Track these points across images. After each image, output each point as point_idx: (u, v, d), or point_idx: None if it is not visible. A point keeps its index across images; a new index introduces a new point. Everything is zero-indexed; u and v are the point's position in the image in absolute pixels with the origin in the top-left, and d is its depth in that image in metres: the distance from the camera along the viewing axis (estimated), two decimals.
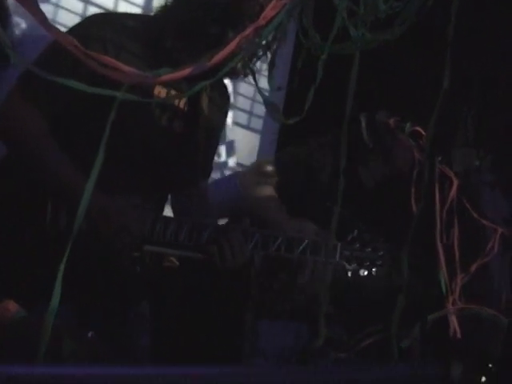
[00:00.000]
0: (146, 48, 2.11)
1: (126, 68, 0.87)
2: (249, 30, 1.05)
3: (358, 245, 2.34)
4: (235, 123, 4.31)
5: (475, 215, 2.88)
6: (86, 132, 1.85)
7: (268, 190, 3.25)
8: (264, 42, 1.93)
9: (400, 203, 3.38)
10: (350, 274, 2.33)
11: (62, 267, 0.99)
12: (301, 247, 2.26)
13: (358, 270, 2.32)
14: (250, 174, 3.34)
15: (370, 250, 2.35)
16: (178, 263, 2.43)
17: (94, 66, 0.87)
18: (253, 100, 4.32)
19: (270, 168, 3.30)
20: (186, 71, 0.92)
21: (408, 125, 2.77)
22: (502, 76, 3.74)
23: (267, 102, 1.06)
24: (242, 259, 2.20)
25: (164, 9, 2.18)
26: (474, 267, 2.75)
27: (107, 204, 2.03)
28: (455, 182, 2.80)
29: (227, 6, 1.96)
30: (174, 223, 2.15)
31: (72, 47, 0.86)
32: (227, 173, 4.02)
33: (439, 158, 2.81)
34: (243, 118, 4.47)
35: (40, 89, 1.98)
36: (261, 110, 4.46)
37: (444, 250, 2.64)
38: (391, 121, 2.86)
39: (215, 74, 1.00)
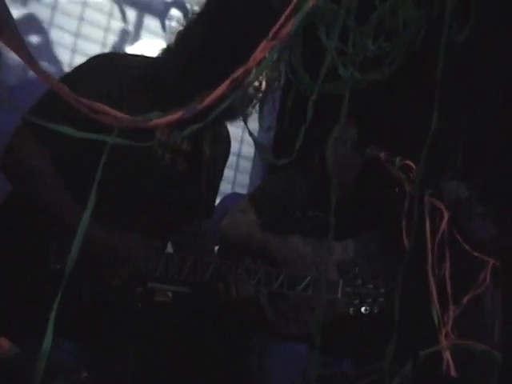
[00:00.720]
0: (149, 89, 2.13)
1: (117, 113, 0.87)
2: (239, 72, 1.05)
3: (359, 281, 2.35)
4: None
5: (466, 247, 2.88)
6: (87, 172, 1.87)
7: (250, 220, 3.31)
8: (257, 84, 1.97)
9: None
10: (351, 310, 2.33)
11: (55, 306, 0.98)
12: (303, 283, 2.28)
13: (360, 307, 2.33)
14: (231, 214, 3.41)
15: (371, 286, 2.35)
16: (171, 297, 2.43)
17: (85, 111, 0.87)
18: (241, 142, 4.37)
19: (249, 207, 3.37)
20: (177, 115, 0.92)
21: (398, 159, 2.78)
22: (489, 110, 3.78)
23: (257, 143, 1.06)
24: (247, 295, 2.22)
25: (167, 51, 2.21)
26: (466, 299, 2.74)
27: (111, 238, 2.04)
28: (446, 215, 2.80)
29: (228, 50, 1.98)
30: (177, 260, 2.16)
31: (62, 93, 0.87)
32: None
33: (429, 191, 2.82)
34: (231, 160, 4.52)
35: (44, 127, 1.99)
36: (249, 151, 4.51)
37: (436, 282, 2.64)
38: (382, 154, 2.87)
39: (208, 116, 1.01)
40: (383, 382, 1.33)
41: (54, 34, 3.70)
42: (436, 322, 2.52)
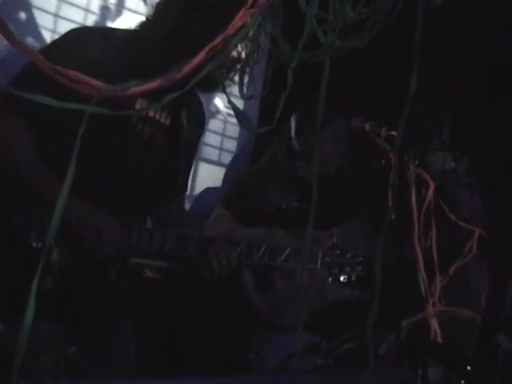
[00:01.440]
0: (126, 62, 2.12)
1: (95, 82, 0.87)
2: (217, 40, 1.05)
3: (338, 251, 2.37)
4: (204, 159, 4.36)
5: (453, 217, 2.89)
6: (67, 145, 1.86)
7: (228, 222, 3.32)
8: (236, 54, 1.96)
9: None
10: (330, 279, 2.35)
11: (35, 280, 0.98)
12: (284, 255, 2.29)
13: (339, 276, 2.35)
14: (211, 222, 3.41)
15: (350, 255, 2.37)
16: (157, 274, 2.43)
17: (63, 81, 0.87)
18: (223, 135, 4.36)
19: (223, 211, 3.38)
20: (155, 83, 0.92)
21: (383, 130, 2.78)
22: (475, 79, 3.78)
23: (238, 113, 1.06)
24: (229, 268, 2.22)
25: (145, 24, 2.20)
26: (452, 269, 2.76)
27: (85, 212, 2.03)
28: (432, 185, 2.81)
29: (209, 21, 1.97)
30: (160, 235, 2.15)
31: (39, 63, 0.86)
32: None
33: (416, 162, 2.82)
34: (214, 154, 4.51)
35: (23, 101, 1.98)
36: (231, 145, 4.51)
37: (423, 252, 2.65)
38: (366, 125, 2.87)
39: (187, 85, 1.00)
40: (366, 350, 1.34)
41: (36, 15, 3.67)
42: (423, 291, 2.54)
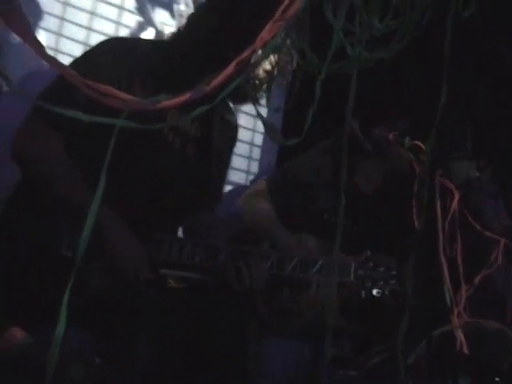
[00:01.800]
0: (158, 72, 2.13)
1: (125, 96, 0.87)
2: (246, 53, 1.05)
3: (371, 264, 2.35)
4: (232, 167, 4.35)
5: (478, 227, 2.87)
6: (99, 157, 1.87)
7: (266, 209, 3.27)
8: (269, 67, 1.97)
9: (399, 213, 3.40)
10: (363, 293, 2.33)
11: (67, 293, 0.98)
12: (316, 267, 2.29)
13: (372, 290, 2.33)
14: (247, 195, 3.37)
15: (383, 269, 2.36)
16: (181, 284, 2.43)
17: (94, 95, 0.88)
18: (253, 131, 4.35)
19: (266, 187, 3.33)
20: (185, 97, 0.92)
21: (407, 139, 2.77)
22: (500, 87, 3.75)
23: (266, 124, 1.06)
24: (260, 281, 2.21)
25: (177, 35, 2.21)
26: (478, 279, 2.74)
27: (116, 232, 2.03)
28: (456, 195, 2.80)
29: (240, 34, 1.98)
30: (190, 245, 2.16)
31: (70, 77, 0.87)
32: None
33: (440, 171, 2.81)
34: (244, 149, 4.49)
35: (54, 114, 2.00)
36: (259, 139, 4.49)
37: (448, 262, 2.64)
38: (391, 135, 2.86)
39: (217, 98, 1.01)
40: (396, 361, 1.33)
41: (66, 30, 3.70)
42: (448, 301, 2.53)
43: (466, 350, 2.27)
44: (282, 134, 1.29)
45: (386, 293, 2.33)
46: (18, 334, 1.77)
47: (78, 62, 2.20)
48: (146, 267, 2.06)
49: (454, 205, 2.79)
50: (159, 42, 2.31)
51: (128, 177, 2.03)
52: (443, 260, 2.63)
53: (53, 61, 0.91)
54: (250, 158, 4.52)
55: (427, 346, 2.18)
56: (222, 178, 2.51)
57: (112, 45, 2.25)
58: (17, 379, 1.75)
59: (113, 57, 2.13)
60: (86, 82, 0.88)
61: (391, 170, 3.36)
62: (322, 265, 2.29)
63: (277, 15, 1.09)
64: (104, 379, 1.82)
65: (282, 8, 1.10)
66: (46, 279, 2.00)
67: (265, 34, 1.08)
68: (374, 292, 2.33)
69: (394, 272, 2.36)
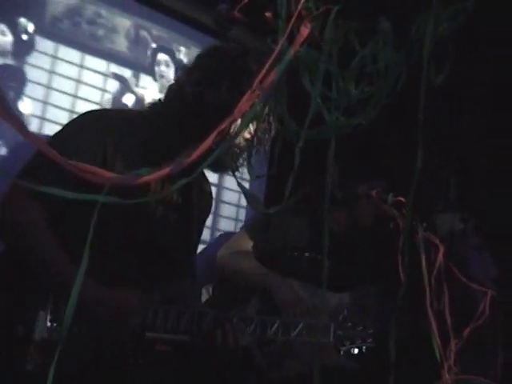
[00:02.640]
0: (141, 143, 2.16)
1: (105, 173, 0.88)
2: (224, 124, 1.07)
3: (349, 324, 2.38)
4: (221, 216, 4.38)
5: (464, 279, 2.88)
6: (80, 228, 1.87)
7: (246, 257, 3.29)
8: (248, 136, 2.00)
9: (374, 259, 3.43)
10: (342, 352, 2.35)
11: (51, 369, 0.98)
12: (297, 330, 2.31)
13: (350, 349, 2.35)
14: (227, 247, 3.39)
15: (360, 328, 2.38)
16: (169, 347, 2.42)
17: (75, 171, 0.89)
18: (240, 192, 4.38)
19: (245, 240, 3.35)
20: (164, 171, 0.93)
21: (390, 196, 2.79)
22: (481, 141, 3.81)
23: (247, 194, 1.07)
24: (243, 344, 2.23)
25: (157, 105, 2.25)
26: (466, 332, 2.74)
27: (105, 295, 2.04)
28: (441, 248, 2.81)
29: (220, 104, 2.02)
30: (175, 312, 2.17)
31: (51, 155, 0.88)
32: None
33: (424, 225, 2.82)
34: (231, 211, 4.53)
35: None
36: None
37: (435, 316, 2.63)
38: (373, 192, 2.89)
39: (197, 170, 1.02)
40: None
41: (53, 97, 3.75)
42: (438, 356, 2.51)
43: None
44: (267, 199, 1.30)
45: (364, 351, 2.36)
46: None
47: (61, 134, 2.21)
48: (133, 321, 2.07)
49: (440, 258, 2.79)
50: (141, 113, 2.34)
51: (110, 245, 2.04)
52: (431, 314, 2.62)
53: (33, 138, 0.92)
54: (238, 205, 4.56)
55: None
56: (198, 242, 2.54)
57: (94, 117, 2.27)
58: None
59: (96, 129, 2.15)
60: (65, 160, 0.89)
61: (356, 219, 3.44)
62: (303, 327, 2.32)
63: (254, 85, 1.11)
64: None
65: (258, 78, 1.13)
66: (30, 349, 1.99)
67: (242, 105, 1.10)
68: (353, 351, 2.36)
69: (371, 331, 2.38)
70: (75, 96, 3.78)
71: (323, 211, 1.34)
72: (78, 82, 3.83)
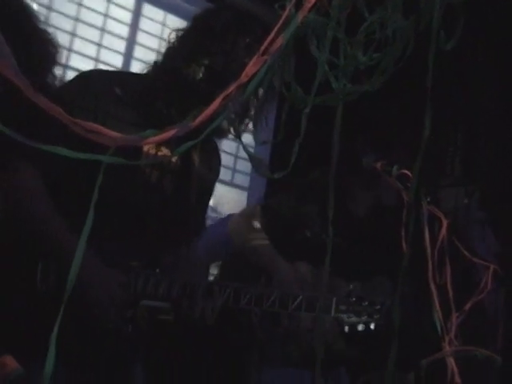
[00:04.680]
0: (136, 106, 2.14)
1: (111, 133, 0.88)
2: (231, 88, 1.06)
3: (354, 299, 2.33)
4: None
5: (467, 253, 2.88)
6: (77, 192, 1.85)
7: (259, 235, 3.26)
8: (252, 98, 1.98)
9: (390, 239, 3.40)
10: (347, 328, 2.30)
11: (55, 330, 0.97)
12: (295, 303, 2.26)
13: (356, 324, 2.30)
14: (239, 219, 3.35)
15: (366, 303, 2.33)
16: (172, 316, 2.42)
17: (80, 131, 0.88)
18: (236, 156, 4.35)
19: (259, 213, 3.31)
20: (170, 133, 0.93)
21: (395, 168, 2.78)
22: (487, 115, 3.78)
23: (252, 158, 1.07)
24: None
25: (153, 67, 2.22)
26: (468, 305, 2.74)
27: (94, 269, 2.03)
28: (444, 222, 2.80)
29: (213, 65, 2.00)
30: (167, 281, 2.15)
31: (57, 114, 0.87)
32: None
33: (428, 199, 2.82)
34: (227, 175, 4.49)
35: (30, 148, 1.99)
36: (245, 166, 4.47)
37: (437, 290, 2.63)
38: (378, 164, 2.87)
39: (201, 134, 1.01)
40: None
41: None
42: (439, 329, 2.52)
43: (457, 379, 2.26)
44: (270, 166, 1.29)
45: (371, 327, 2.30)
46: (9, 363, 1.75)
47: (57, 93, 2.20)
48: (120, 301, 2.06)
49: (443, 232, 2.79)
50: (138, 76, 2.32)
51: (102, 212, 2.03)
52: (433, 287, 2.63)
53: (37, 97, 0.91)
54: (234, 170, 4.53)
55: (416, 376, 2.17)
56: (202, 210, 2.49)
57: (91, 77, 2.25)
58: None
59: (92, 89, 2.13)
60: (72, 119, 0.88)
61: (379, 197, 3.38)
62: (301, 300, 2.27)
63: (261, 49, 1.11)
64: None
65: (266, 42, 1.12)
66: (23, 313, 2.00)
67: (250, 68, 1.09)
68: (359, 327, 2.30)
69: (378, 306, 2.33)
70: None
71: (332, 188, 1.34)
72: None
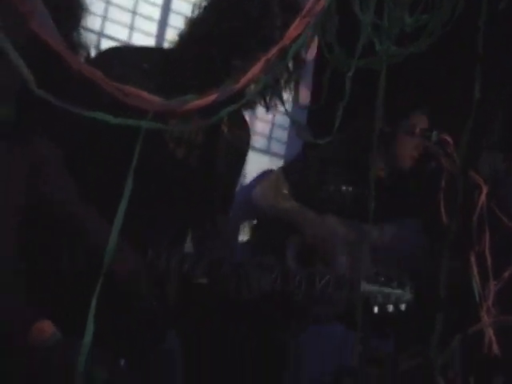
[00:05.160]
0: (163, 80, 2.11)
1: (150, 96, 0.85)
2: (273, 51, 1.02)
3: (382, 279, 2.27)
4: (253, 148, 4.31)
5: (506, 221, 2.83)
6: (102, 162, 1.83)
7: (287, 197, 3.26)
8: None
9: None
10: (376, 309, 2.25)
11: (93, 303, 0.96)
12: (322, 281, 2.22)
13: (385, 306, 2.25)
14: (265, 186, 3.34)
15: (396, 283, 2.28)
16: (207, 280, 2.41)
17: (119, 95, 0.86)
18: (272, 124, 4.30)
19: (282, 178, 3.31)
20: (212, 97, 0.90)
21: (434, 133, 2.72)
22: None
23: (295, 122, 1.03)
24: (259, 294, 2.18)
25: (178, 41, 2.19)
26: (507, 274, 2.70)
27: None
28: (484, 189, 2.76)
29: (238, 40, 1.97)
30: (191, 258, 2.13)
31: (95, 77, 0.85)
32: None
33: (467, 164, 2.77)
34: (263, 143, 4.45)
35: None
36: (281, 134, 4.44)
37: (476, 257, 2.60)
38: (417, 129, 2.82)
39: (238, 101, 0.98)
40: (429, 365, 1.31)
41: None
42: (477, 297, 2.49)
43: (495, 350, 2.23)
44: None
45: (402, 309, 2.25)
46: (46, 328, 1.75)
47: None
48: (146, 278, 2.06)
49: (482, 198, 2.74)
50: (163, 50, 2.29)
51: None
52: (472, 255, 2.59)
53: (77, 61, 0.89)
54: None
55: (461, 345, 2.13)
56: (231, 186, 2.46)
57: (116, 53, 2.23)
58: (43, 377, 1.74)
59: (117, 65, 2.11)
60: (109, 81, 0.86)
61: (395, 158, 3.33)
62: (329, 279, 2.23)
63: (304, 11, 1.07)
64: (129, 382, 1.81)
65: (308, 4, 1.08)
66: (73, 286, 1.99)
67: (292, 31, 1.05)
68: (389, 308, 2.25)
69: (408, 288, 2.28)
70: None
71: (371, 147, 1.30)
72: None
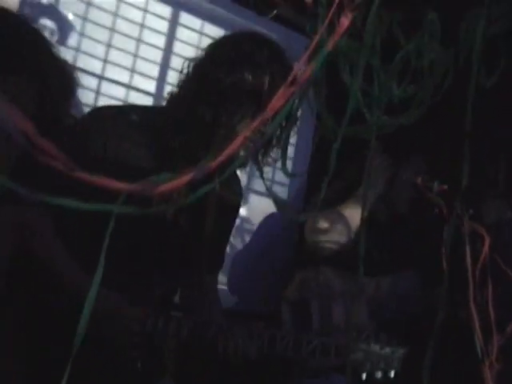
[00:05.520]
0: (149, 140, 2.10)
1: (120, 185, 0.82)
2: (255, 124, 0.99)
3: (372, 344, 2.21)
4: (252, 190, 4.29)
5: (510, 272, 2.79)
6: (88, 231, 1.81)
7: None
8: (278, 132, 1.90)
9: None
10: (364, 376, 2.19)
11: (68, 365, 0.93)
12: (309, 347, 2.16)
13: (373, 372, 2.20)
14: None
15: (386, 350, 2.22)
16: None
17: (88, 180, 0.82)
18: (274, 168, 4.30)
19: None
20: (186, 177, 0.86)
21: (435, 184, 2.70)
22: None
23: (276, 200, 1.00)
24: (246, 356, 2.14)
25: (169, 100, 2.18)
26: (510, 327, 2.65)
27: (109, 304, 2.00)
28: (487, 239, 2.71)
29: (226, 96, 1.96)
30: (176, 322, 2.09)
31: (64, 167, 0.82)
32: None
33: (470, 212, 2.73)
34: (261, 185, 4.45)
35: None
36: (283, 177, 4.43)
37: (478, 310, 2.55)
38: (419, 180, 2.79)
39: (220, 174, 0.95)
40: None
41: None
42: (479, 352, 2.43)
43: None
44: (307, 196, 1.23)
45: (390, 375, 2.19)
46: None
47: (76, 127, 2.17)
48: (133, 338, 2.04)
49: (485, 249, 2.69)
50: (151, 109, 2.28)
51: (117, 249, 1.97)
52: (473, 307, 2.54)
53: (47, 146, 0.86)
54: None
55: None
56: (220, 246, 2.44)
57: (103, 113, 2.21)
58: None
59: (104, 126, 2.10)
60: (78, 173, 0.82)
61: (393, 203, 3.31)
62: (316, 346, 2.17)
63: (289, 80, 1.03)
64: None
65: (294, 73, 1.05)
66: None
67: (275, 102, 1.02)
68: (378, 375, 2.19)
69: (399, 354, 2.22)
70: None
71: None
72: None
